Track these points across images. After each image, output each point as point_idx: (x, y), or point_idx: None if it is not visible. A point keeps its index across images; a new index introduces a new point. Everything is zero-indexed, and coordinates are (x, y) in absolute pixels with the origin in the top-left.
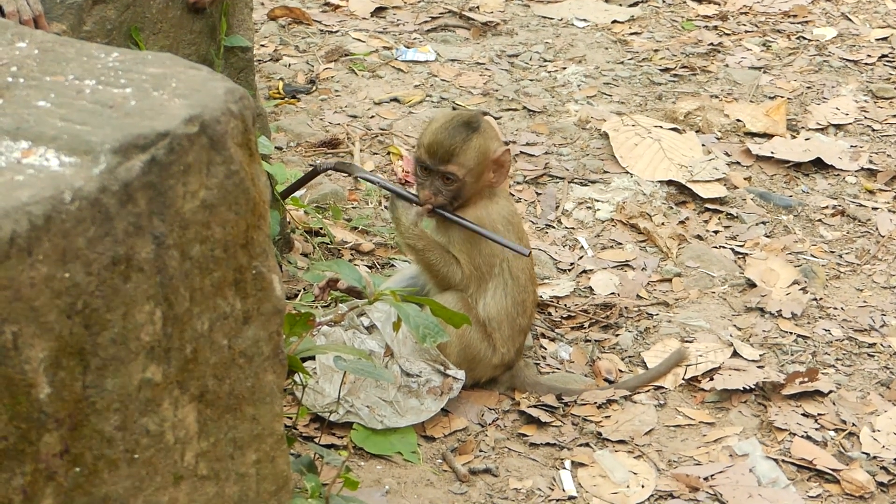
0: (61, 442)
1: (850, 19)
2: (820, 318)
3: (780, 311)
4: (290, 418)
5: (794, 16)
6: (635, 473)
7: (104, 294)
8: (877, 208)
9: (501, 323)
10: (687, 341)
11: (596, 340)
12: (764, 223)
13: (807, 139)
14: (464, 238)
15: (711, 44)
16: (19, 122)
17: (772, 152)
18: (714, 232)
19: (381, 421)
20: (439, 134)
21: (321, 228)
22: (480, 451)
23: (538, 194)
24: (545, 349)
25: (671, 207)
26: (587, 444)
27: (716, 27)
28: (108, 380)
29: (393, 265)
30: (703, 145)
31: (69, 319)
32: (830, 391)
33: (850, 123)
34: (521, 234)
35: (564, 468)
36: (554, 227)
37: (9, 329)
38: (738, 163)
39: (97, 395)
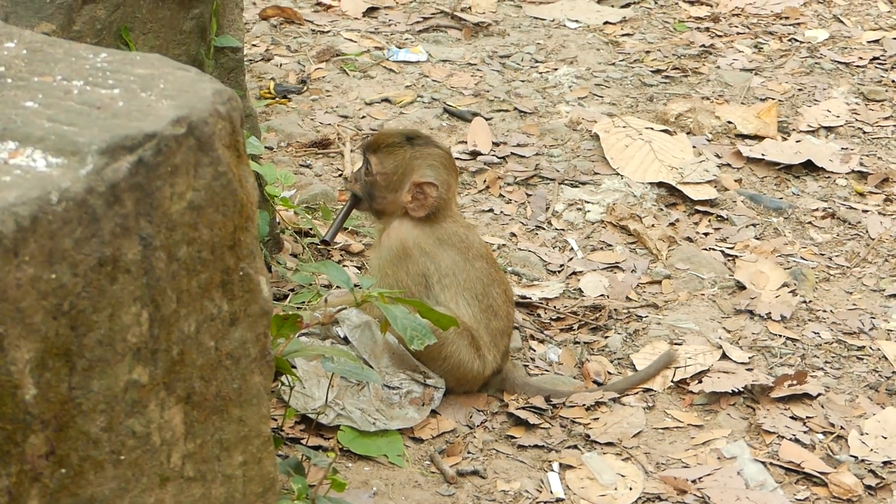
0: (47, 443)
1: (841, 21)
2: (809, 320)
3: (770, 313)
4: (276, 420)
5: (786, 18)
6: (623, 476)
7: (91, 295)
8: (867, 211)
9: (478, 331)
10: (676, 344)
11: (585, 342)
12: (754, 225)
13: (798, 141)
14: (380, 269)
15: (703, 45)
16: (6, 122)
17: (762, 154)
18: (704, 234)
19: (373, 423)
20: (385, 130)
21: (311, 229)
22: (468, 452)
23: (528, 195)
24: (534, 351)
25: (661, 209)
26: (575, 447)
27: (707, 29)
28: (94, 381)
29: None
30: (693, 147)
31: (55, 320)
32: (819, 394)
33: (842, 126)
34: (466, 251)
35: (552, 470)
36: (544, 229)
37: None
38: (728, 165)
39: (83, 396)
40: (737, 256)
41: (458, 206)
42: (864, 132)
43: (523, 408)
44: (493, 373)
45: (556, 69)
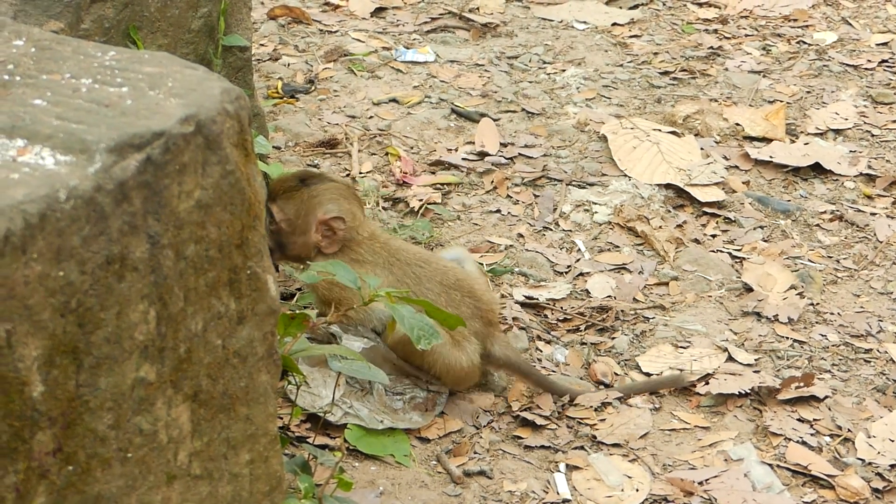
0: (54, 440)
1: (850, 24)
2: (816, 323)
3: (777, 315)
4: (282, 418)
5: (795, 20)
6: (630, 477)
7: (98, 293)
8: (875, 214)
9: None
10: (682, 346)
11: (592, 343)
12: (762, 227)
13: (806, 144)
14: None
15: (711, 47)
16: (15, 119)
17: (770, 156)
18: (712, 236)
19: (380, 421)
20: (279, 177)
21: None
22: (475, 452)
23: (536, 196)
24: (541, 351)
25: (669, 211)
26: (582, 447)
27: (716, 31)
28: (101, 378)
29: None
30: (701, 149)
31: (63, 318)
32: (826, 396)
33: (850, 128)
34: (381, 261)
35: (559, 471)
36: (551, 230)
37: (2, 327)
38: (736, 167)
39: (90, 393)
40: (744, 258)
41: (376, 227)
42: (873, 135)
43: (529, 408)
44: (483, 358)
45: (563, 70)
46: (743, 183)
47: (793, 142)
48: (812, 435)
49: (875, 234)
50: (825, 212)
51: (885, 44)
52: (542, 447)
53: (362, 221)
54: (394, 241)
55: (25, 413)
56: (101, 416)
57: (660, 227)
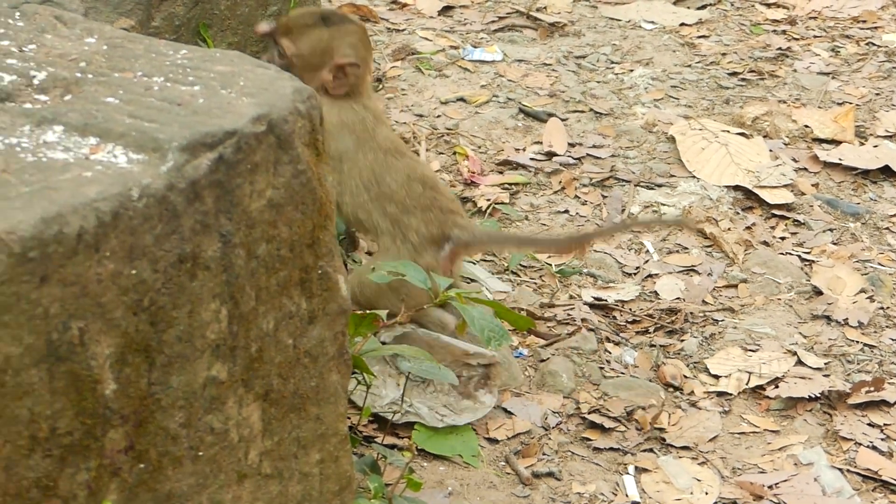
0: (126, 438)
1: None
2: (887, 327)
3: (847, 319)
4: (349, 418)
5: (864, 21)
6: (699, 480)
7: (170, 291)
8: None
9: (374, 218)
10: (751, 349)
11: (661, 345)
12: (831, 230)
13: (875, 146)
14: None
15: (780, 48)
16: (88, 117)
17: (840, 159)
18: (781, 238)
19: (441, 419)
20: (295, 13)
21: None
22: (544, 454)
23: (604, 197)
24: (609, 353)
25: (738, 213)
26: (651, 450)
27: (784, 32)
28: (173, 377)
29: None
30: (770, 151)
31: (135, 316)
32: None
33: None
34: (362, 140)
35: (628, 473)
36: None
37: (75, 325)
38: (805, 169)
39: (162, 392)
40: (814, 261)
41: (372, 86)
42: None
43: (598, 410)
44: (451, 243)
45: (631, 70)
46: (812, 185)
47: (862, 144)
48: (882, 440)
49: None
50: (895, 215)
51: None
52: (611, 449)
53: (369, 73)
54: (380, 126)
55: (98, 411)
56: (172, 414)
57: (728, 228)
